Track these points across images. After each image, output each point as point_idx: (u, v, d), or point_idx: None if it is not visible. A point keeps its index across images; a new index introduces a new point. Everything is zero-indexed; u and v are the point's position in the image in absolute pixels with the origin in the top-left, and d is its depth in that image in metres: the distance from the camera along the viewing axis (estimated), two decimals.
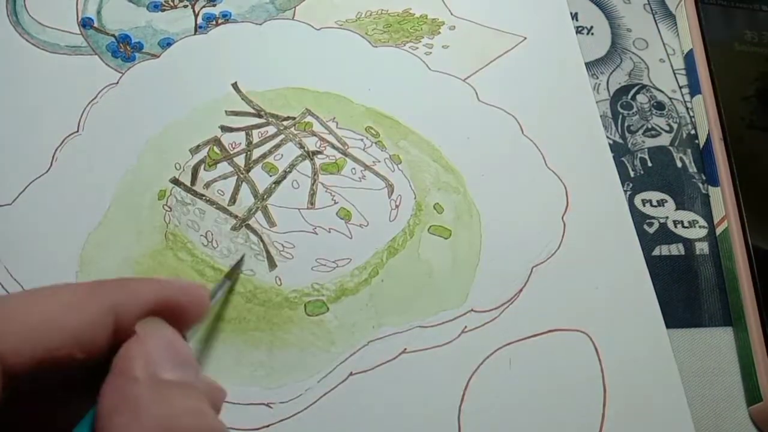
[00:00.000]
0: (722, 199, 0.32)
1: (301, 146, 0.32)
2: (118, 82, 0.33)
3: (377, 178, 0.31)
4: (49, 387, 0.17)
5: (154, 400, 0.15)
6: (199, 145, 0.32)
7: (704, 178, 0.34)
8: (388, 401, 0.26)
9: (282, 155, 0.32)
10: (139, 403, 0.15)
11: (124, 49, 0.35)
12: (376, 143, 0.32)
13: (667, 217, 0.32)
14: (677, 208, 0.33)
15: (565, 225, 0.31)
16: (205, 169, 0.31)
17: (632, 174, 0.34)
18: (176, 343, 0.18)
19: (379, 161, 0.32)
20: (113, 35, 0.35)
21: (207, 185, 0.31)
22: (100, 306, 0.17)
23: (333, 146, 0.32)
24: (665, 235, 0.32)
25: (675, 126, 0.35)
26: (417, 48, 0.36)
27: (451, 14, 0.37)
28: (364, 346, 0.27)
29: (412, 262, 0.29)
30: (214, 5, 0.37)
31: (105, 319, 0.17)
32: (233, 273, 0.28)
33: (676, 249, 0.32)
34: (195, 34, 0.36)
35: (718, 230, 0.32)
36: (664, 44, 0.38)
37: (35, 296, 0.17)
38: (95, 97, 0.33)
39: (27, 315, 0.16)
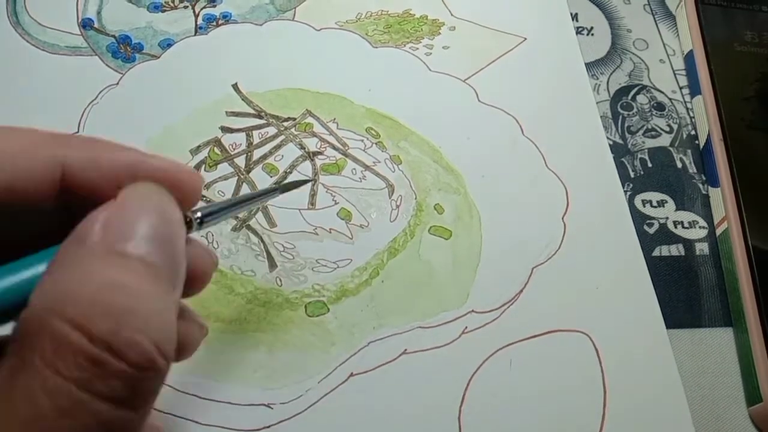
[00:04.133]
0: (722, 199, 0.32)
1: (302, 147, 0.32)
2: (118, 83, 0.33)
3: (378, 179, 0.31)
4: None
5: (84, 266, 0.14)
6: (199, 146, 0.32)
7: (704, 178, 0.34)
8: (388, 402, 0.26)
9: (282, 156, 0.32)
10: (69, 266, 0.14)
11: (125, 50, 0.35)
12: (376, 144, 0.32)
13: (667, 218, 0.32)
14: (677, 209, 0.33)
15: (565, 225, 0.31)
16: (205, 170, 0.31)
17: (632, 174, 0.34)
18: (164, 212, 0.16)
19: (380, 162, 0.32)
20: (113, 36, 0.35)
21: (207, 186, 0.31)
22: (49, 156, 0.16)
23: (333, 147, 0.32)
24: (665, 235, 0.32)
25: (675, 127, 0.35)
26: (417, 49, 0.36)
27: (451, 15, 0.37)
28: (364, 346, 0.27)
29: (412, 263, 0.29)
30: (215, 6, 0.37)
31: (49, 168, 0.16)
32: (289, 186, 0.26)
33: (676, 249, 0.32)
34: (195, 34, 0.36)
35: (718, 231, 0.32)
36: (664, 45, 0.38)
37: None
38: (95, 98, 0.33)
39: None
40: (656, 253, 0.31)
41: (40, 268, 0.15)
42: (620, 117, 0.36)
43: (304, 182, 0.28)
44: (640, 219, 0.32)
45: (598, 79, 0.37)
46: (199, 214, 0.18)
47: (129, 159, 0.17)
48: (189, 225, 0.18)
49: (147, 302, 0.15)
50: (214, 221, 0.19)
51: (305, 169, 0.31)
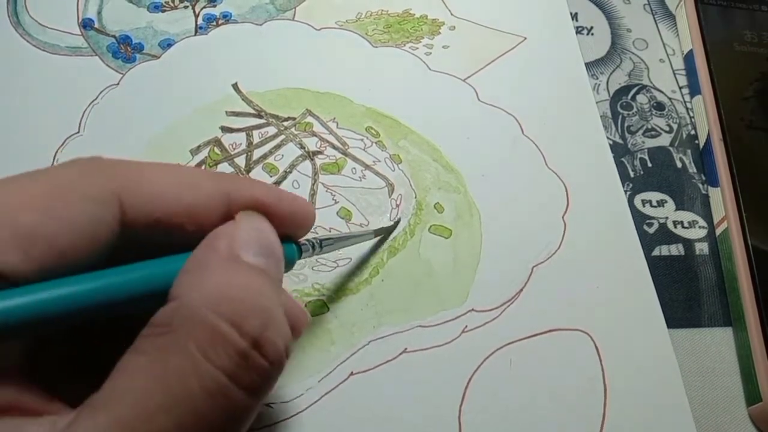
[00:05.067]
0: (722, 199, 0.32)
1: (302, 146, 0.32)
2: (118, 83, 0.34)
3: (377, 178, 0.31)
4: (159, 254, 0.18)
5: (222, 269, 0.17)
6: (199, 146, 0.32)
7: (704, 178, 0.34)
8: (388, 401, 0.26)
9: (282, 155, 0.32)
10: (209, 267, 0.17)
11: (125, 50, 0.35)
12: (376, 143, 0.33)
13: (666, 218, 0.32)
14: (677, 209, 0.33)
15: (565, 225, 0.31)
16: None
17: (632, 174, 0.34)
18: (267, 235, 0.19)
19: (380, 161, 0.32)
20: (114, 36, 0.35)
21: None
22: (216, 189, 0.19)
23: (333, 146, 0.32)
24: (665, 235, 0.32)
25: (675, 126, 0.35)
26: (417, 48, 0.36)
27: (451, 14, 0.37)
28: (364, 345, 0.27)
29: (412, 262, 0.29)
30: (215, 6, 0.37)
31: (218, 200, 0.18)
32: (383, 231, 0.29)
33: (676, 249, 0.32)
34: (195, 34, 0.36)
35: (718, 231, 0.32)
36: (663, 44, 0.38)
37: (161, 168, 0.18)
38: (96, 98, 0.33)
39: (151, 180, 0.18)
40: (656, 252, 0.31)
41: (176, 266, 0.17)
42: (620, 117, 0.36)
43: (394, 226, 0.30)
44: (639, 219, 0.32)
45: (597, 78, 0.37)
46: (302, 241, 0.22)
47: (265, 191, 0.20)
48: (300, 251, 0.22)
49: (274, 304, 0.17)
50: (308, 254, 0.22)
51: (305, 169, 0.32)
